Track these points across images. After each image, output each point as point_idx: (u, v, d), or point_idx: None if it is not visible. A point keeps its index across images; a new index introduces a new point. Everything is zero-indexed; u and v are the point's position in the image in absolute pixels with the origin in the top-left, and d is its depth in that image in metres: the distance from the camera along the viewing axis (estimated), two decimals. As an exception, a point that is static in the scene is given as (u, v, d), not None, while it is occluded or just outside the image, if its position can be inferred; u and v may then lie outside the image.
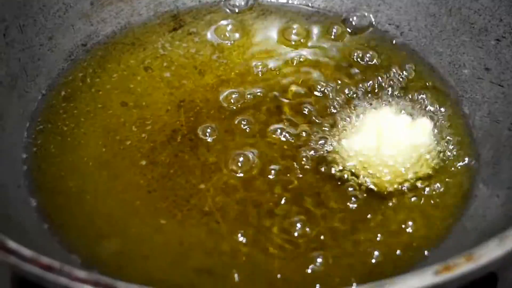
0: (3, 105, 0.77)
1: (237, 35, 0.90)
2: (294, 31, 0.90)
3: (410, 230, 0.71)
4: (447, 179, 0.74)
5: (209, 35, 0.90)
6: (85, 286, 0.47)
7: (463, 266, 0.48)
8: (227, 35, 0.90)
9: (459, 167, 0.76)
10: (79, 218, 0.72)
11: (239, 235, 0.70)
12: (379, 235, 0.70)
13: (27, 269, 0.48)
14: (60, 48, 0.85)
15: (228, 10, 0.92)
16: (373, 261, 0.68)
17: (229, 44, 0.89)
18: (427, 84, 0.83)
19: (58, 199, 0.73)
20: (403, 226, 0.71)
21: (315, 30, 0.90)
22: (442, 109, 0.80)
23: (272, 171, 0.75)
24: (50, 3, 0.84)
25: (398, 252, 0.69)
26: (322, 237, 0.70)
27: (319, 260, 0.68)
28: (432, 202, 0.73)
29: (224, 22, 0.91)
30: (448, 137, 0.77)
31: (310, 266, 0.67)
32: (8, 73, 0.78)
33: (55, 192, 0.74)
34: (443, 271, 0.48)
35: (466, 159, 0.76)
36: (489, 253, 0.50)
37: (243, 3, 0.92)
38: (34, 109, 0.80)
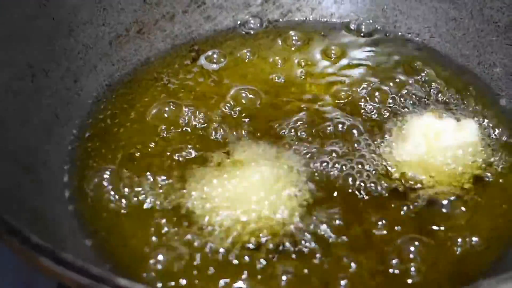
0: (47, 153, 0.73)
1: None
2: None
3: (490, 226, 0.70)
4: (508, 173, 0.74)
5: (227, 61, 0.89)
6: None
7: None
8: (248, 57, 0.89)
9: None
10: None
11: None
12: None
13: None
14: (86, 90, 0.82)
15: (243, 33, 0.92)
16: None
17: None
18: (461, 85, 0.83)
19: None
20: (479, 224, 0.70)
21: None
22: (481, 108, 0.80)
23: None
24: (71, 46, 0.81)
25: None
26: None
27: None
28: (499, 197, 0.72)
29: (243, 48, 0.91)
30: (494, 134, 0.77)
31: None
32: (41, 119, 0.75)
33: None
34: None
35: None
36: None
37: (258, 25, 0.93)
38: (72, 155, 0.77)
